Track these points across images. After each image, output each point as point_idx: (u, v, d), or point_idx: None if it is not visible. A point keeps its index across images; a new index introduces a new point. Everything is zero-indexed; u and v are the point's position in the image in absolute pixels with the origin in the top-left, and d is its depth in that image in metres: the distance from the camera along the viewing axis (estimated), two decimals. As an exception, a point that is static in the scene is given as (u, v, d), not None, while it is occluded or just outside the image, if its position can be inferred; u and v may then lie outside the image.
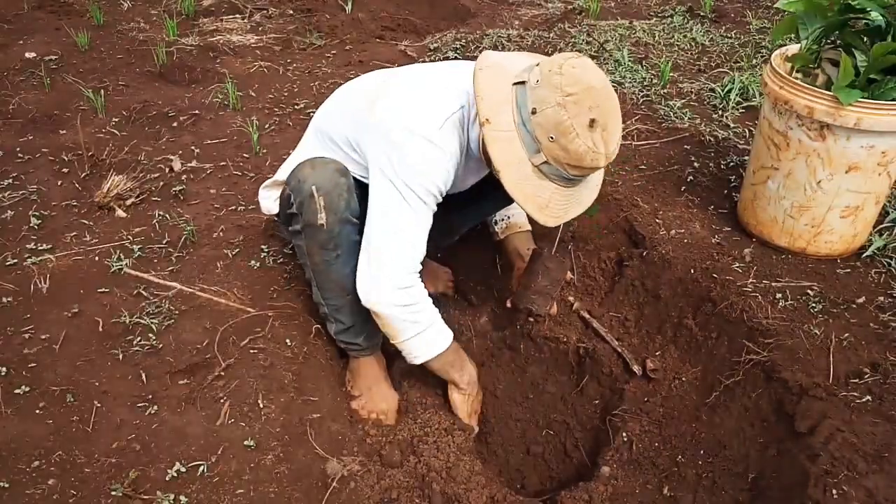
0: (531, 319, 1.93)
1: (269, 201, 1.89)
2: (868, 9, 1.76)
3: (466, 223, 2.06)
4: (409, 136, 1.54)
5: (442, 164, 1.56)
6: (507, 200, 2.03)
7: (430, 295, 2.21)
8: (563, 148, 1.42)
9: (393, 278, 1.60)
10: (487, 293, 2.24)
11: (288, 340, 1.86)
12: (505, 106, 1.48)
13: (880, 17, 1.76)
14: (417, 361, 1.73)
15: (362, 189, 1.73)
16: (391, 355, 2.02)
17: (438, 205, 1.91)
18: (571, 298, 2.15)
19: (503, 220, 2.09)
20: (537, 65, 1.48)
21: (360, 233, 1.73)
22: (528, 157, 1.47)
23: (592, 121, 1.40)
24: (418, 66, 1.86)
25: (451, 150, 1.57)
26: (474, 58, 1.61)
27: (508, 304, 1.97)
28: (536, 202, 1.50)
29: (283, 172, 1.83)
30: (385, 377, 1.92)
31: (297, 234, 1.73)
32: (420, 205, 1.56)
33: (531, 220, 2.13)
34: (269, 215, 1.96)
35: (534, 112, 1.43)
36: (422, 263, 2.31)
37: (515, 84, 1.49)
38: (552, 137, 1.42)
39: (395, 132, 1.55)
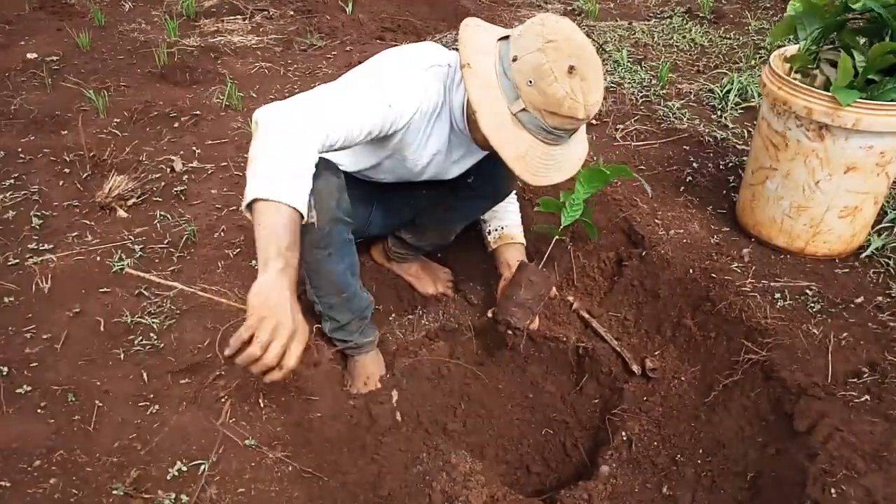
0: (510, 332, 1.90)
1: None
2: (870, 8, 1.77)
3: (460, 220, 2.05)
4: (393, 63, 1.57)
5: (413, 92, 1.56)
6: (500, 196, 2.02)
7: (429, 295, 2.24)
8: (542, 92, 1.43)
9: (298, 113, 1.40)
10: (487, 293, 2.24)
11: (288, 340, 1.87)
12: (487, 55, 1.50)
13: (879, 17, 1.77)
14: (246, 198, 1.36)
15: (355, 187, 1.74)
16: (390, 356, 2.03)
17: (435, 200, 1.89)
18: (571, 298, 2.15)
19: (497, 230, 2.07)
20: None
21: (352, 231, 1.74)
22: (507, 105, 1.48)
23: (571, 67, 1.41)
24: None
25: (427, 93, 1.58)
26: None
27: (489, 315, 1.97)
28: (513, 150, 1.50)
29: None
30: (381, 377, 1.92)
31: None
32: (375, 99, 1.50)
33: (525, 235, 2.12)
34: None
35: (514, 59, 1.45)
36: (422, 263, 2.31)
37: (500, 40, 1.51)
38: (531, 82, 1.43)
39: (383, 64, 1.59)
